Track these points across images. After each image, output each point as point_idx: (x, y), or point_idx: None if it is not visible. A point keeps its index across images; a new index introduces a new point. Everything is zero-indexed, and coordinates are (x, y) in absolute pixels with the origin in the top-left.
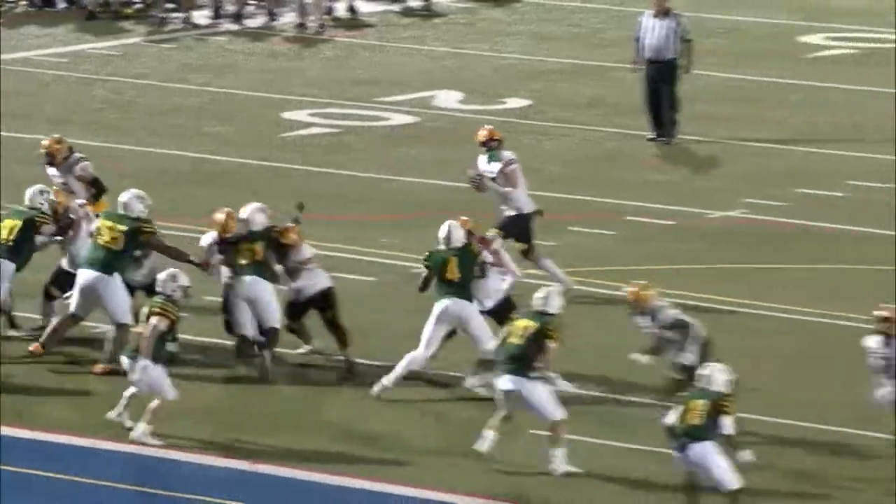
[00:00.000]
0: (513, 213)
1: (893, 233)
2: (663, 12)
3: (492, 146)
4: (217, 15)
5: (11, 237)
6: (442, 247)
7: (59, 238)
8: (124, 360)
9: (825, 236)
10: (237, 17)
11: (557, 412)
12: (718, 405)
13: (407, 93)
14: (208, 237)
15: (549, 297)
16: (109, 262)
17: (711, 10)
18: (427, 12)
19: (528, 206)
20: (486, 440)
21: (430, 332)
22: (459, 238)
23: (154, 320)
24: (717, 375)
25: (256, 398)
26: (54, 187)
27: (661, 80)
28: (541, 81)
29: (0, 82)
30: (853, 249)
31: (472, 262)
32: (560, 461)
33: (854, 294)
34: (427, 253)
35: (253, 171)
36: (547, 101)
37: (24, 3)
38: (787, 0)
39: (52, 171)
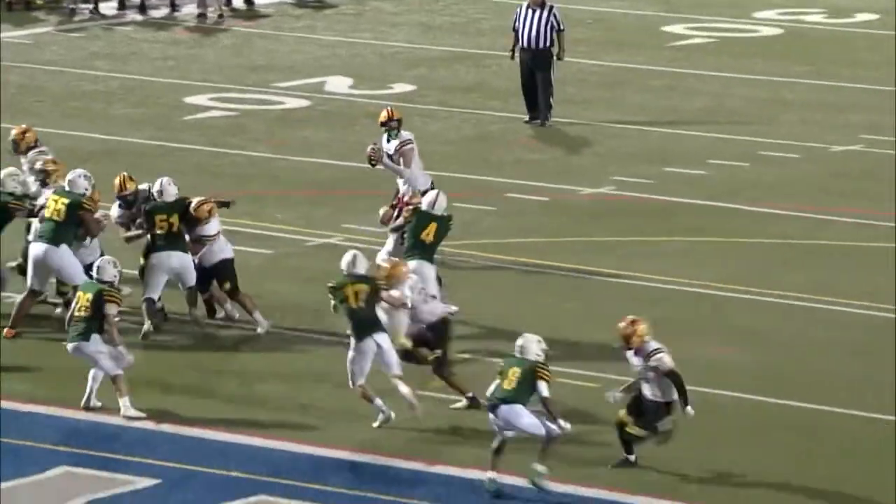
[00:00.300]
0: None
1: (752, 208)
2: (538, 4)
3: (391, 126)
4: (122, 6)
5: None
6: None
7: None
8: (72, 346)
9: (690, 210)
10: (142, 8)
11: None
12: (536, 371)
13: (300, 78)
14: (115, 208)
15: (356, 260)
16: (55, 233)
17: (581, 2)
18: (319, 4)
19: (423, 184)
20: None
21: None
22: (363, 267)
23: (109, 309)
24: (531, 345)
25: (160, 361)
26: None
27: (536, 66)
28: (424, 68)
29: None
30: (716, 222)
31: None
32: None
33: (719, 264)
34: (331, 285)
35: (157, 150)
36: (430, 86)
37: None
38: None
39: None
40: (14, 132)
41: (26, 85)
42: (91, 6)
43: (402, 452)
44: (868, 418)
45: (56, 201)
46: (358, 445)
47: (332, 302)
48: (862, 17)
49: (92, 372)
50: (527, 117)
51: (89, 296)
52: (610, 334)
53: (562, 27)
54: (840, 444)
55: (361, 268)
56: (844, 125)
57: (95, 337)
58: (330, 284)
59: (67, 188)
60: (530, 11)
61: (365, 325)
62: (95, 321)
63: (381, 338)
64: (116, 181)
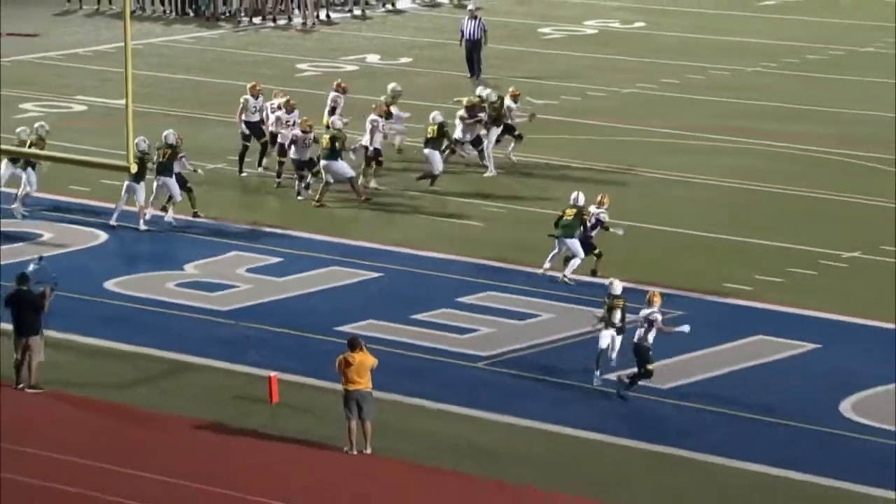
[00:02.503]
0: None
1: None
2: (474, 17)
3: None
4: (263, 17)
5: None
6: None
7: None
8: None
9: None
10: (273, 19)
11: None
12: (581, 213)
13: (355, 54)
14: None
15: None
16: None
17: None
18: (361, 16)
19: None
20: None
21: None
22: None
23: None
24: (581, 197)
25: None
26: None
27: (474, 49)
28: (417, 49)
29: None
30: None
31: None
32: None
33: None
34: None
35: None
36: (421, 57)
37: None
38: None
39: None
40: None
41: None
42: (248, 18)
43: None
44: None
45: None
46: None
47: None
48: None
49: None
50: (469, 75)
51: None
52: None
53: (485, 29)
54: None
55: None
56: None
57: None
58: None
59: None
60: (470, 20)
61: None
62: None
63: None
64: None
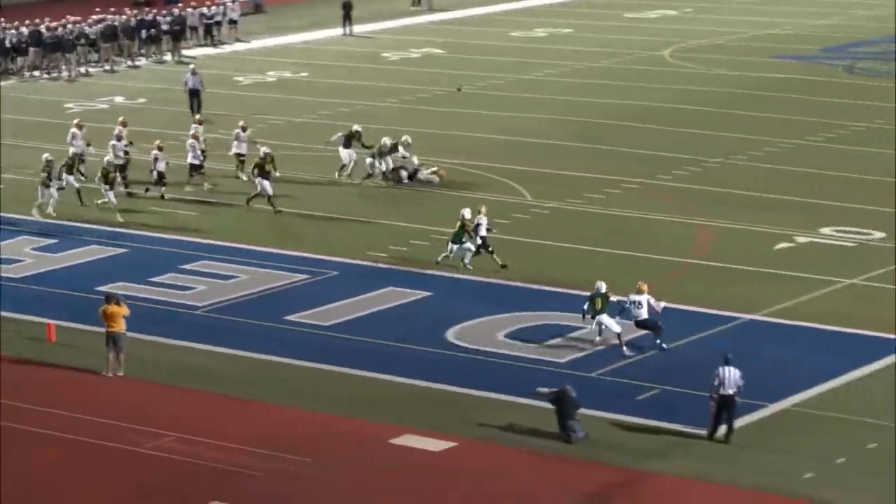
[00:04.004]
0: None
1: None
2: (193, 73)
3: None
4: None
5: None
6: None
7: None
8: None
9: None
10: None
11: None
12: (465, 225)
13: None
14: None
15: None
16: None
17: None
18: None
19: None
20: None
21: None
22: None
23: None
24: (467, 212)
25: None
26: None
27: (194, 95)
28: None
29: None
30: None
31: None
32: None
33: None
34: None
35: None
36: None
37: None
38: None
39: None
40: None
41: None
42: (29, 73)
43: None
44: None
45: None
46: None
47: None
48: None
49: None
50: (190, 113)
51: None
52: None
53: (202, 81)
54: None
55: None
56: None
57: None
58: None
59: None
60: (191, 75)
61: None
62: None
63: None
64: None
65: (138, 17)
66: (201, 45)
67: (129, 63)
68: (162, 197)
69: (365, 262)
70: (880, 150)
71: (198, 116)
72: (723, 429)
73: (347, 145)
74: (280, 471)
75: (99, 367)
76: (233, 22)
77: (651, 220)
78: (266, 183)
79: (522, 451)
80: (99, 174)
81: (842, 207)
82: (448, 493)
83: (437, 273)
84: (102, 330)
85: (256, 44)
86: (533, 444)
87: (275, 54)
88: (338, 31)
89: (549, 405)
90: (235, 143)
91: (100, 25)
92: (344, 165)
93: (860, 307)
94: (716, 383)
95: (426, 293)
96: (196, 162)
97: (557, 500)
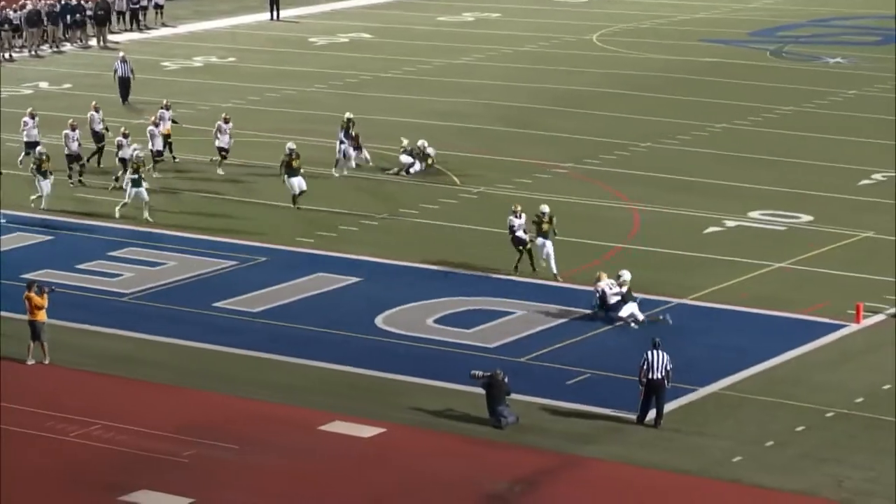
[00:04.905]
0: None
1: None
2: (124, 60)
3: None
4: None
5: None
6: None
7: None
8: None
9: None
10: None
11: None
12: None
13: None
14: None
15: None
16: None
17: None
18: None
19: None
20: None
21: None
22: None
23: None
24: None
25: None
26: None
27: (123, 83)
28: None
29: None
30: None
31: None
32: None
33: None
34: None
35: None
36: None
37: None
38: None
39: None
40: None
41: None
42: None
43: None
44: None
45: None
46: None
47: None
48: None
49: None
50: (122, 101)
51: None
52: None
53: (132, 69)
54: None
55: None
56: None
57: None
58: None
59: None
60: (121, 62)
61: None
62: None
63: None
64: None
65: (63, 3)
66: (127, 31)
67: (54, 48)
68: (81, 176)
69: (294, 249)
70: (807, 134)
71: (165, 101)
72: (652, 413)
73: (350, 139)
74: (207, 458)
75: (22, 356)
76: (159, 6)
77: (580, 205)
78: (294, 180)
79: (453, 436)
80: (32, 163)
81: (770, 191)
82: (377, 479)
83: (366, 258)
84: (27, 318)
85: (183, 29)
86: (464, 430)
87: (202, 39)
88: (265, 16)
89: (481, 390)
90: (218, 135)
91: (24, 11)
92: (339, 160)
93: (789, 290)
94: (644, 367)
95: (355, 279)
96: (160, 149)
97: (487, 485)
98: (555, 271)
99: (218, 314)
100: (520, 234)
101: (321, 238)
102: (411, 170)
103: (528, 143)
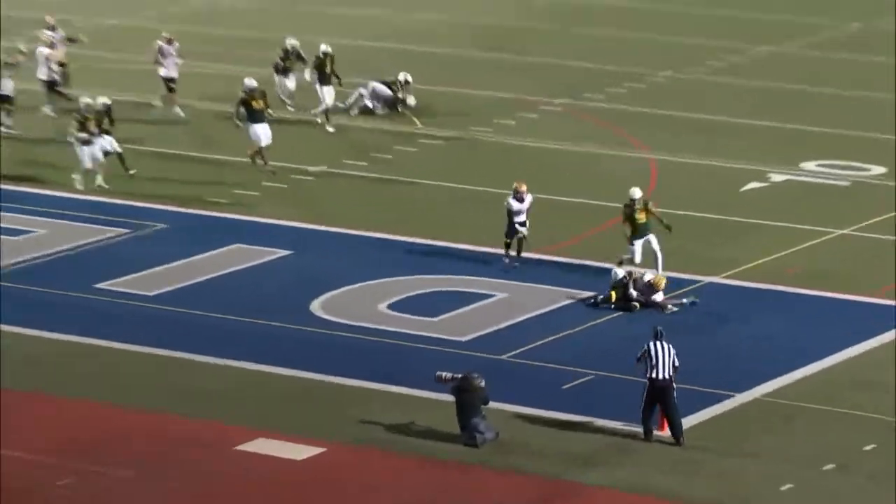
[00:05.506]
0: None
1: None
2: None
3: None
4: None
5: None
6: None
7: None
8: None
9: None
10: None
11: None
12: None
13: None
14: None
15: None
16: None
17: None
18: None
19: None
20: None
21: None
22: None
23: None
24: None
25: None
26: None
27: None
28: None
29: None
30: None
31: None
32: None
33: None
34: None
35: None
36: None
37: None
38: None
39: None
40: None
41: None
42: None
43: None
44: None
45: None
46: None
47: None
48: None
49: None
50: None
51: None
52: None
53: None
54: None
55: None
56: None
57: None
58: None
59: None
60: None
61: None
62: None
63: None
64: None
65: None
66: None
67: None
68: None
69: (203, 212)
70: (880, 59)
71: (50, 19)
72: (667, 431)
73: (323, 80)
74: (91, 486)
75: None
76: None
77: (577, 154)
78: (259, 128)
79: (412, 457)
80: None
81: (830, 135)
82: None
83: (297, 224)
84: None
85: None
86: (426, 449)
87: None
88: None
89: (449, 397)
90: (160, 58)
91: None
92: (326, 106)
93: (853, 266)
94: (645, 364)
95: (284, 252)
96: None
97: None
98: (660, 271)
99: (102, 297)
100: (519, 225)
101: (239, 198)
102: (372, 108)
103: (510, 72)
